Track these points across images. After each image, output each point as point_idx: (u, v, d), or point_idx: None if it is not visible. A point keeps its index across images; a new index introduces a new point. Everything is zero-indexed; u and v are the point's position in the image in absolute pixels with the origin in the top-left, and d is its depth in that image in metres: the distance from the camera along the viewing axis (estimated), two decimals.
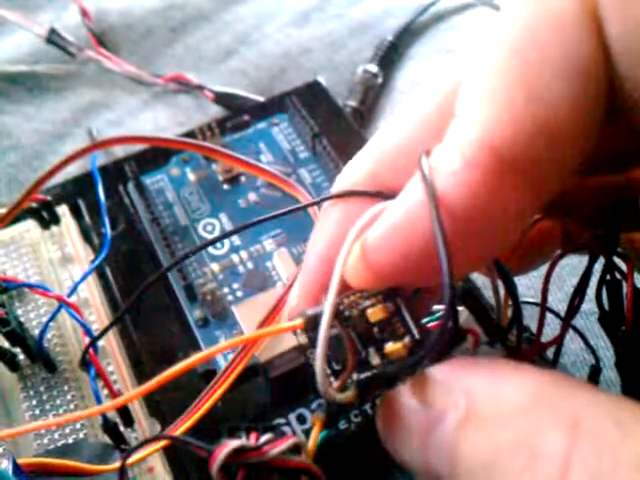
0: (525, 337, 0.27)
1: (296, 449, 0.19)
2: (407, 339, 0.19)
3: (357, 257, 0.19)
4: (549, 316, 0.27)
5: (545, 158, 0.17)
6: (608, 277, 0.25)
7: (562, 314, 0.26)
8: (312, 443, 0.20)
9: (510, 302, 0.23)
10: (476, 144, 0.17)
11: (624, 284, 0.24)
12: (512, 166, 0.17)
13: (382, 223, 0.19)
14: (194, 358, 0.21)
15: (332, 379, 0.20)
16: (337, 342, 0.19)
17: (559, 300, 0.35)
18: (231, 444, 0.18)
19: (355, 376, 0.19)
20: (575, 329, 0.28)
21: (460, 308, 0.23)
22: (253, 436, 0.19)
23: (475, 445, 0.16)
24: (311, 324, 0.19)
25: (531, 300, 0.31)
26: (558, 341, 0.26)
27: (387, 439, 0.19)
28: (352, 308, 0.19)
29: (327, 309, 0.18)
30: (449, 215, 0.17)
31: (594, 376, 0.29)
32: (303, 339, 0.20)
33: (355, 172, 0.22)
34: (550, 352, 0.28)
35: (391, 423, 0.19)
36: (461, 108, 0.18)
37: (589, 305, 0.26)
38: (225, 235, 0.36)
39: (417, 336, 0.19)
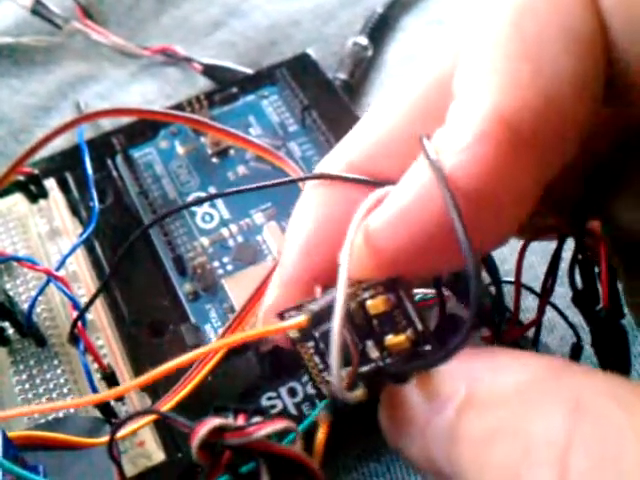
0: (507, 318, 0.27)
1: (287, 435, 0.18)
2: (410, 332, 0.18)
3: (360, 244, 0.18)
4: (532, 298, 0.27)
5: (552, 131, 0.17)
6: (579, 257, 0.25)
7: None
8: (319, 446, 0.18)
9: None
10: (487, 118, 0.17)
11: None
12: (523, 138, 0.17)
13: (387, 208, 0.18)
14: (191, 354, 0.19)
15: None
16: (329, 337, 0.18)
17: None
18: (213, 421, 0.17)
19: (362, 369, 0.18)
20: (554, 307, 0.28)
21: (446, 293, 0.22)
22: (241, 417, 0.18)
23: (472, 429, 0.16)
24: (316, 321, 0.18)
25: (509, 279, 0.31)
26: (537, 322, 0.25)
27: (391, 435, 0.19)
28: (350, 301, 0.18)
29: (339, 305, 0.17)
30: (461, 195, 0.16)
31: (575, 354, 0.29)
32: (294, 333, 0.19)
33: (341, 159, 0.21)
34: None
35: (394, 417, 0.18)
36: (462, 86, 0.18)
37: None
38: (209, 197, 0.36)
39: (421, 328, 0.18)
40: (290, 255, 0.20)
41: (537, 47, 0.17)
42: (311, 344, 0.19)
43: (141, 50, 0.46)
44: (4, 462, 0.22)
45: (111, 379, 0.30)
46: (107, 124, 0.41)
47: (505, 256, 0.31)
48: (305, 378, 0.31)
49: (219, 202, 0.36)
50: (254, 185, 0.25)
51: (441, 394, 0.17)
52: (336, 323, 0.17)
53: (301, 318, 0.18)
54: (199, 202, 0.36)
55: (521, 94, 0.17)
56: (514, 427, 0.16)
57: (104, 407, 0.29)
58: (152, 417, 0.26)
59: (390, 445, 0.19)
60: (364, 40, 0.45)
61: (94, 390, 0.29)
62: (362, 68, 0.45)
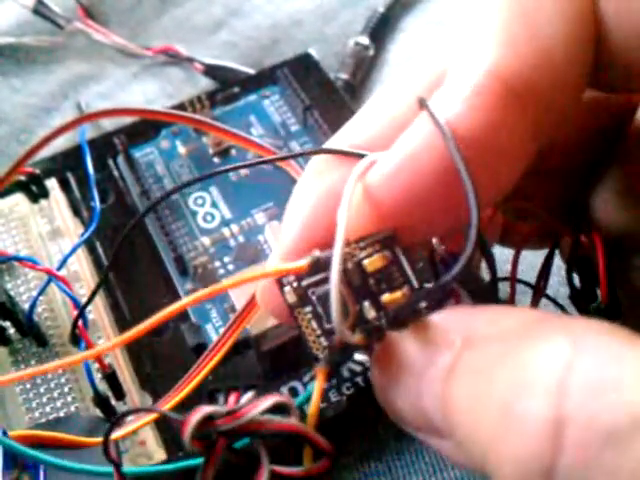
0: None
1: (283, 410, 0.18)
2: (406, 288, 0.18)
3: (359, 200, 0.18)
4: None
5: (545, 89, 0.18)
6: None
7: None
8: (316, 397, 0.18)
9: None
10: (483, 73, 0.18)
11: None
12: (517, 93, 0.18)
13: (385, 162, 0.18)
14: (178, 305, 0.19)
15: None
16: (328, 299, 0.18)
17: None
18: (202, 410, 0.17)
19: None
20: (554, 301, 0.28)
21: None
22: (233, 396, 0.18)
23: (468, 369, 0.16)
24: (316, 266, 0.18)
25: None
26: None
27: (382, 387, 0.19)
28: (347, 261, 0.18)
29: (339, 238, 0.17)
30: (460, 143, 0.17)
31: None
32: (291, 297, 0.19)
33: (343, 142, 0.21)
34: None
35: (387, 368, 0.18)
36: (461, 49, 0.18)
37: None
38: (196, 179, 0.36)
39: (416, 285, 0.19)
40: (291, 227, 0.20)
41: (533, 12, 0.18)
42: (308, 309, 0.19)
43: (143, 50, 0.46)
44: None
45: (112, 378, 0.30)
46: (108, 124, 0.41)
47: (507, 257, 0.31)
48: (306, 378, 0.31)
49: (220, 202, 0.36)
50: (246, 163, 0.25)
51: (438, 343, 0.17)
52: (336, 252, 0.17)
53: (302, 262, 0.18)
54: (187, 185, 0.35)
55: (516, 53, 0.18)
56: (511, 361, 0.16)
57: (105, 407, 0.29)
58: (152, 416, 0.26)
59: (379, 399, 0.19)
60: (365, 40, 0.45)
61: (95, 390, 0.29)
62: (363, 68, 0.45)
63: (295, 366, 0.31)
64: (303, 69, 0.41)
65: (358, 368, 0.31)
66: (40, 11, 0.47)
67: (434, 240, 0.20)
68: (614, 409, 0.14)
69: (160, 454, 0.29)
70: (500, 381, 0.16)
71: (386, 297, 0.18)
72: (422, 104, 0.18)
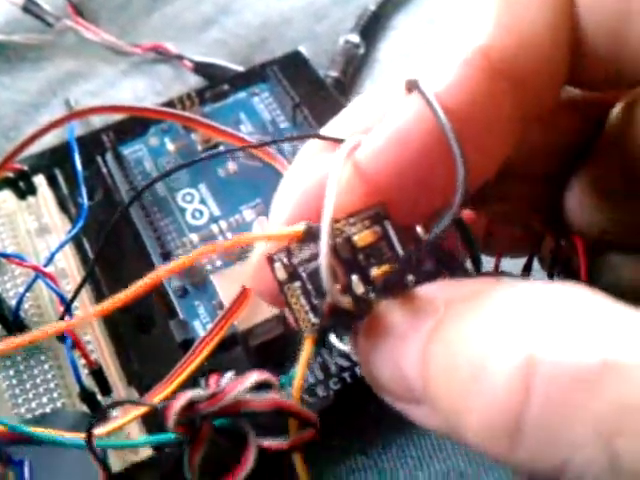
0: None
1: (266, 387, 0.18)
2: (395, 263, 0.19)
3: (349, 173, 0.19)
4: None
5: (528, 67, 0.18)
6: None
7: None
8: (302, 366, 0.18)
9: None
10: (471, 50, 0.18)
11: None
12: (501, 69, 0.18)
13: (376, 136, 0.19)
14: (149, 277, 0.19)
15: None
16: (317, 275, 0.18)
17: None
18: (184, 396, 0.17)
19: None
20: None
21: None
22: (213, 378, 0.18)
23: (447, 335, 0.17)
24: (309, 233, 0.18)
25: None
26: None
27: (365, 352, 0.19)
28: (337, 237, 0.18)
29: (330, 199, 0.17)
30: (450, 116, 0.17)
31: None
32: (282, 274, 0.19)
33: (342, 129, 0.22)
34: None
35: (372, 336, 0.18)
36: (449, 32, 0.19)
37: None
38: (180, 166, 0.35)
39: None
40: (283, 204, 0.20)
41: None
42: (297, 284, 0.19)
43: (132, 48, 0.46)
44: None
45: (99, 375, 0.30)
46: (97, 121, 0.41)
47: (486, 268, 0.31)
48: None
49: (209, 199, 0.36)
50: (231, 148, 0.24)
51: (422, 310, 0.17)
52: (326, 213, 0.17)
53: (298, 227, 0.18)
54: (171, 172, 0.35)
55: (500, 33, 0.18)
56: (486, 321, 0.16)
57: (91, 402, 0.29)
58: (138, 412, 0.26)
59: (362, 369, 0.19)
60: (356, 38, 0.45)
61: (81, 386, 0.29)
62: (354, 66, 0.45)
63: (283, 362, 0.31)
64: (293, 67, 0.41)
65: (345, 364, 0.31)
66: (30, 9, 0.47)
67: (419, 229, 0.20)
68: (584, 352, 0.14)
69: (146, 450, 0.29)
70: (474, 339, 0.16)
71: (375, 271, 0.18)
72: (410, 81, 0.19)
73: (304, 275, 0.19)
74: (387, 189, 0.19)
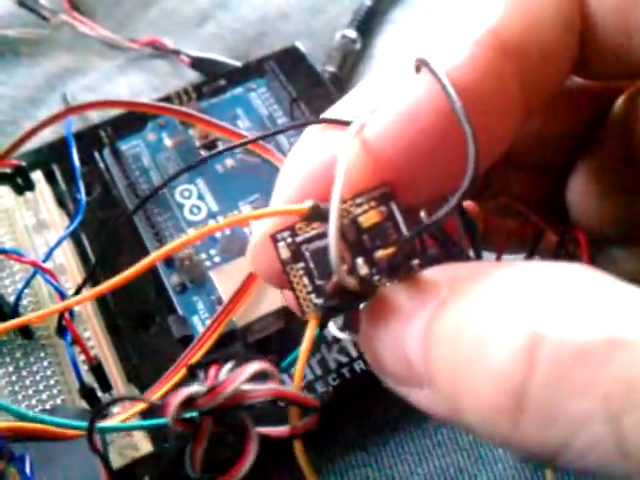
0: None
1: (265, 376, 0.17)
2: (399, 244, 0.18)
3: (358, 152, 0.18)
4: None
5: (534, 48, 0.19)
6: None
7: None
8: (306, 346, 0.18)
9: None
10: (481, 30, 0.18)
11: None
12: (509, 49, 0.18)
13: (384, 113, 0.19)
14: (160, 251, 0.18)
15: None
16: (322, 255, 0.18)
17: None
18: (182, 393, 0.17)
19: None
20: None
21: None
22: (213, 370, 0.18)
23: (450, 315, 0.16)
24: (316, 211, 0.18)
25: None
26: None
27: (368, 338, 0.19)
28: (343, 217, 0.18)
29: (339, 177, 0.17)
30: (459, 93, 0.17)
31: None
32: (285, 253, 0.18)
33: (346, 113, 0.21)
34: None
35: (375, 319, 0.18)
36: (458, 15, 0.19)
37: None
38: (183, 170, 0.35)
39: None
40: (287, 183, 0.20)
41: None
42: (301, 265, 0.19)
43: (129, 43, 0.46)
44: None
45: (98, 371, 0.30)
46: (95, 116, 0.41)
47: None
48: (292, 369, 0.31)
49: (207, 194, 0.36)
50: (231, 145, 0.24)
51: (425, 291, 0.17)
52: (336, 190, 0.17)
53: (304, 205, 0.18)
54: (174, 177, 0.35)
55: (511, 15, 0.19)
56: (490, 300, 0.16)
57: (91, 399, 0.29)
58: (138, 408, 0.26)
59: (365, 352, 0.19)
60: (353, 33, 0.45)
61: (81, 382, 0.29)
62: (351, 61, 0.45)
63: (282, 358, 0.31)
64: (290, 62, 0.41)
65: (344, 360, 0.31)
66: (25, 3, 0.47)
67: (422, 214, 0.20)
68: (590, 329, 0.14)
69: (147, 445, 0.29)
70: (477, 317, 0.16)
71: (379, 253, 0.18)
72: (419, 59, 0.19)
73: (307, 255, 0.19)
74: (395, 168, 0.18)
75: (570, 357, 0.14)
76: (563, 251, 0.24)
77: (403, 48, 0.46)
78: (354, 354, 0.31)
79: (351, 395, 0.30)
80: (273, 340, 0.31)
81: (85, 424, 0.21)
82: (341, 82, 0.44)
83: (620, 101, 0.22)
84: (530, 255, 0.25)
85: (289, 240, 0.19)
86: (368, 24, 0.47)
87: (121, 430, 0.28)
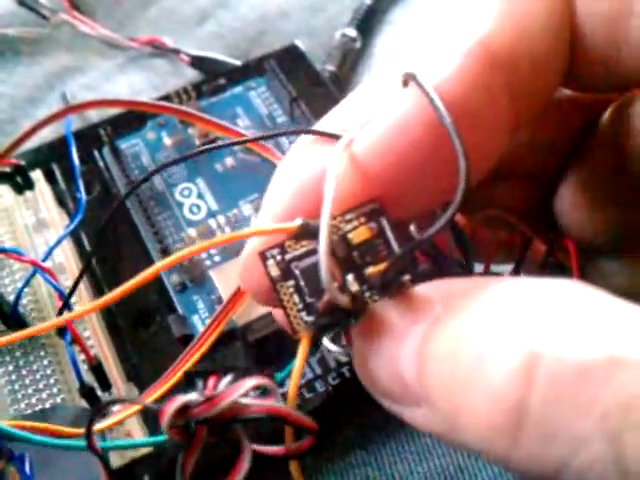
0: None
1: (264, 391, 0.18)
2: (390, 259, 0.18)
3: (346, 165, 0.18)
4: None
5: (524, 60, 0.18)
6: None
7: None
8: (299, 365, 0.18)
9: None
10: (470, 41, 0.18)
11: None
12: (499, 60, 0.18)
13: (371, 130, 0.18)
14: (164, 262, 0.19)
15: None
16: (312, 272, 0.18)
17: None
18: (177, 401, 0.17)
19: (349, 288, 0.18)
20: None
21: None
22: (212, 381, 0.18)
23: (445, 332, 0.16)
24: (305, 229, 0.18)
25: None
26: None
27: (362, 357, 0.18)
28: (333, 234, 0.18)
29: (328, 195, 0.17)
30: (448, 107, 0.17)
31: None
32: (275, 271, 0.18)
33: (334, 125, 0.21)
34: None
35: (368, 337, 0.18)
36: (448, 24, 0.19)
37: None
38: (175, 161, 0.35)
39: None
40: (276, 198, 0.20)
41: None
42: (291, 283, 0.18)
43: (129, 42, 0.46)
44: None
45: (98, 370, 0.30)
46: (94, 115, 0.41)
47: None
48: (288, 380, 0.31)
49: (207, 193, 0.36)
50: (227, 142, 0.24)
51: (419, 309, 0.17)
52: (325, 209, 0.17)
53: (293, 223, 0.18)
54: (168, 165, 0.35)
55: (501, 27, 0.18)
56: (487, 317, 0.16)
57: (91, 398, 0.29)
58: (136, 408, 0.26)
59: (358, 371, 0.19)
60: (352, 32, 0.45)
61: (81, 381, 0.29)
62: (350, 60, 0.45)
63: (281, 357, 0.31)
64: (290, 61, 0.41)
65: (344, 359, 0.31)
66: (25, 2, 0.47)
67: (412, 228, 0.20)
68: (589, 348, 0.14)
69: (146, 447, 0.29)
70: (472, 335, 0.16)
71: (370, 270, 0.18)
72: (407, 74, 0.18)
73: (297, 272, 0.19)
74: (384, 182, 0.18)
75: (569, 376, 0.14)
76: (552, 260, 0.24)
77: (403, 47, 0.46)
78: (347, 359, 0.31)
79: (351, 394, 0.30)
80: (273, 339, 0.31)
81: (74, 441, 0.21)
82: (341, 81, 0.44)
83: (608, 112, 0.22)
84: (518, 265, 0.25)
85: (278, 258, 0.19)
86: (368, 23, 0.47)
87: (125, 448, 0.28)
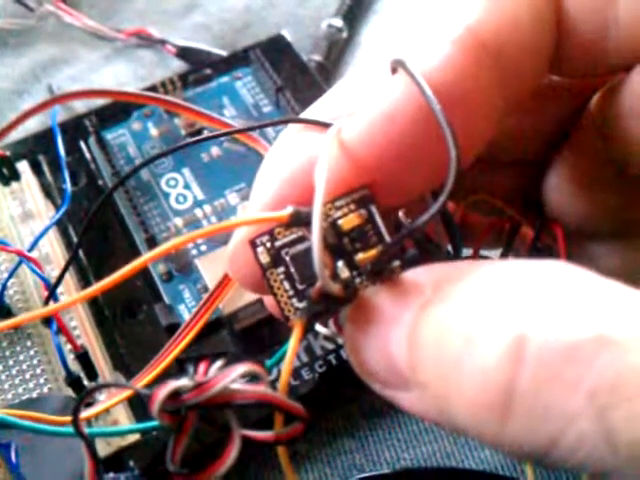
0: None
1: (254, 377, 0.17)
2: (380, 247, 0.18)
3: (337, 155, 0.18)
4: None
5: (513, 48, 0.19)
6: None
7: None
8: (291, 353, 0.18)
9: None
10: (458, 28, 0.18)
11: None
12: (487, 48, 0.18)
13: (361, 117, 0.18)
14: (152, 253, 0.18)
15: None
16: (303, 259, 0.18)
17: None
18: (168, 386, 0.17)
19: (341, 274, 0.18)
20: None
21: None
22: (202, 366, 0.18)
23: (435, 314, 0.16)
24: (296, 217, 0.18)
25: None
26: None
27: (353, 341, 0.19)
28: (323, 221, 0.18)
29: (320, 183, 0.17)
30: (436, 94, 0.17)
31: None
32: (264, 258, 0.18)
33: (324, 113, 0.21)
34: None
35: (359, 322, 0.18)
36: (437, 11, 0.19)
37: None
38: (163, 153, 0.35)
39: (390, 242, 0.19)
40: (265, 186, 0.20)
41: None
42: (281, 269, 0.19)
43: (115, 33, 0.46)
44: None
45: (85, 359, 0.30)
46: (80, 106, 0.41)
47: None
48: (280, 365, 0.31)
49: (193, 183, 0.36)
50: (215, 134, 0.25)
51: (409, 293, 0.17)
52: (318, 198, 0.17)
53: (283, 212, 0.18)
54: (157, 157, 0.34)
55: (488, 13, 0.18)
56: (476, 299, 0.16)
57: (77, 387, 0.29)
58: (124, 395, 0.26)
59: (350, 356, 0.19)
60: (339, 22, 0.45)
61: (67, 370, 0.29)
62: (337, 50, 0.45)
63: (268, 345, 0.31)
64: (276, 51, 0.41)
65: (330, 346, 0.31)
66: None
67: (401, 214, 0.20)
68: (577, 327, 0.14)
69: (133, 434, 0.29)
70: (462, 318, 0.16)
71: (360, 256, 0.18)
72: (395, 60, 0.18)
73: (287, 259, 0.19)
74: (373, 169, 0.18)
75: (556, 355, 0.14)
76: (540, 244, 0.25)
77: (389, 37, 0.46)
78: (340, 341, 0.31)
79: (338, 382, 0.30)
80: (259, 327, 0.31)
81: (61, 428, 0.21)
82: (327, 71, 0.44)
83: (596, 97, 0.22)
84: (506, 249, 0.26)
85: (268, 245, 0.19)
86: (354, 13, 0.47)
87: (113, 435, 0.28)
